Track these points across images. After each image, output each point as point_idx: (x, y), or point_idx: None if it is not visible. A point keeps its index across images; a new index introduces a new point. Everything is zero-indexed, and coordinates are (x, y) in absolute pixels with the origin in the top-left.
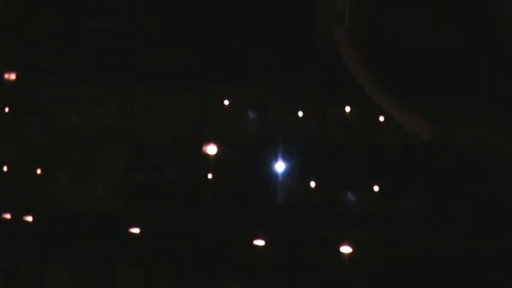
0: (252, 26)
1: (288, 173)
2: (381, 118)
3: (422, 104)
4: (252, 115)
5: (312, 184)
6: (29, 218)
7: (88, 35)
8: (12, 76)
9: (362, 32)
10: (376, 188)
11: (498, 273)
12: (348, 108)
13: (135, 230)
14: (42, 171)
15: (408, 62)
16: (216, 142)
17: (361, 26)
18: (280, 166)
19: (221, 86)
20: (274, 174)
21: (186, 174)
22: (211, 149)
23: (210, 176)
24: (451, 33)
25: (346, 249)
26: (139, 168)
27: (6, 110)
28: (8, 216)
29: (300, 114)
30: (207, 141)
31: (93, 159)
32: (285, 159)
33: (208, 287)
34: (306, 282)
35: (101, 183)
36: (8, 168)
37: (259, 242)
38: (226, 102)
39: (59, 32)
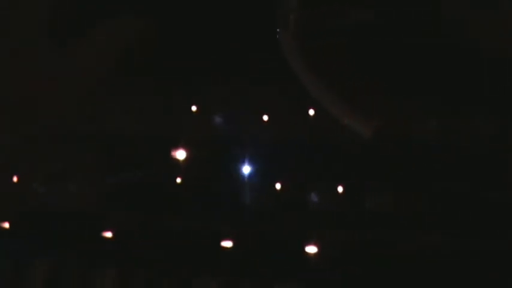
0: (223, 26)
1: (254, 174)
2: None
3: (363, 101)
4: (219, 117)
5: (278, 185)
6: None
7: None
8: None
9: (306, 32)
10: (341, 188)
11: (468, 271)
12: (311, 111)
13: (108, 231)
14: (15, 172)
15: (352, 61)
16: (185, 144)
17: (306, 27)
18: (247, 167)
19: (192, 88)
20: (241, 175)
21: (157, 176)
22: (180, 152)
23: (179, 178)
24: (397, 30)
25: (312, 249)
26: (112, 170)
27: None
28: None
29: (265, 117)
30: (178, 143)
31: (65, 160)
32: (251, 160)
33: (179, 286)
34: (274, 282)
35: (74, 184)
36: None
37: (227, 243)
38: (194, 106)
39: None
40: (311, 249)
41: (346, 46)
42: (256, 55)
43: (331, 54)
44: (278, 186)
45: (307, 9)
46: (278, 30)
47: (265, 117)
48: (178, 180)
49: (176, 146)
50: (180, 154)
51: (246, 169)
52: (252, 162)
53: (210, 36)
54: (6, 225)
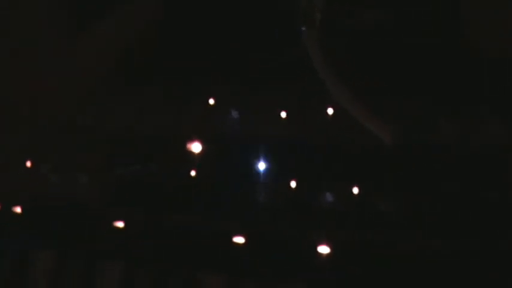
0: (237, 24)
1: (269, 172)
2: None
3: (386, 106)
4: (234, 114)
5: (293, 184)
6: (17, 210)
7: None
8: None
9: (332, 33)
10: (355, 189)
11: (475, 274)
12: (330, 110)
13: (117, 224)
14: (27, 164)
15: (377, 63)
16: (198, 140)
17: (331, 28)
18: (261, 165)
19: (206, 84)
20: (255, 173)
21: (168, 171)
22: (194, 147)
23: (192, 173)
24: (420, 34)
25: (324, 249)
26: (122, 163)
27: None
28: None
29: (283, 115)
30: (190, 139)
31: (76, 153)
32: (265, 158)
33: (188, 282)
34: (283, 280)
35: (84, 177)
36: None
37: (239, 240)
38: (211, 100)
39: None
40: (321, 249)
41: (370, 46)
42: (274, 53)
43: (355, 55)
44: (292, 184)
45: (334, 9)
46: (303, 29)
47: (283, 115)
48: (189, 175)
49: (187, 142)
50: (191, 149)
51: (257, 167)
52: (263, 161)
53: (229, 32)
54: (18, 209)
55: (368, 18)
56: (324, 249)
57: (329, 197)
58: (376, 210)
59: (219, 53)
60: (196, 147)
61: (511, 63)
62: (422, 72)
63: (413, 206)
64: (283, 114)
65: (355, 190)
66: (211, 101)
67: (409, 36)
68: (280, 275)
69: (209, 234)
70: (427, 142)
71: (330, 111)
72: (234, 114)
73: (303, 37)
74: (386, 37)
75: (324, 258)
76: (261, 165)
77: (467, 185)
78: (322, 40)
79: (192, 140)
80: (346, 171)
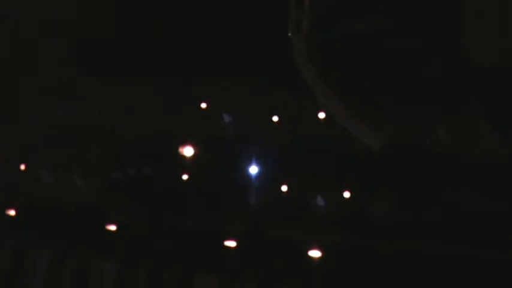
0: (232, 26)
1: (261, 175)
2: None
3: (375, 110)
4: (228, 117)
5: (284, 187)
6: (12, 212)
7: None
8: None
9: (319, 39)
10: (347, 193)
11: (467, 279)
12: (322, 114)
13: (112, 224)
14: (24, 164)
15: (364, 69)
16: (192, 142)
17: (318, 34)
18: (253, 168)
19: (201, 86)
20: (248, 176)
21: (163, 172)
22: (188, 149)
23: (185, 175)
24: (409, 40)
25: (315, 253)
26: (119, 164)
27: None
28: None
29: (275, 118)
30: (185, 141)
31: (74, 153)
32: (258, 161)
33: (182, 282)
34: (274, 282)
35: (82, 178)
36: None
37: (231, 243)
38: (204, 104)
39: None
40: (313, 252)
41: (357, 52)
42: (267, 57)
43: (341, 60)
44: (283, 188)
45: (320, 14)
46: (289, 34)
47: (275, 119)
48: (183, 178)
49: (182, 144)
50: (186, 152)
51: (251, 170)
52: (257, 163)
53: (220, 36)
54: (12, 212)
55: (359, 25)
56: (315, 253)
57: (321, 200)
58: (366, 213)
59: (213, 57)
60: (188, 150)
61: (506, 72)
62: (411, 79)
63: (404, 210)
64: (275, 118)
65: (347, 194)
66: (204, 105)
67: (398, 43)
68: (272, 277)
69: (203, 236)
70: (417, 148)
71: (322, 115)
72: (226, 118)
73: (291, 43)
74: (376, 44)
75: (315, 262)
76: (253, 169)
77: (457, 190)
78: (309, 46)
79: (185, 143)
80: (338, 175)
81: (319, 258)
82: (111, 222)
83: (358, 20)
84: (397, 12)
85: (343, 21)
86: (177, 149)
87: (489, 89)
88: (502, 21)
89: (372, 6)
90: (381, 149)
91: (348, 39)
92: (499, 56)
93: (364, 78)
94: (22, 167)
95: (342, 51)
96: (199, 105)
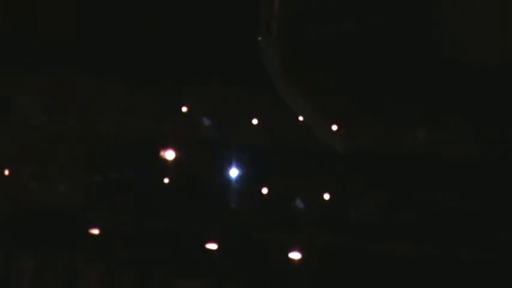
0: (209, 31)
1: (241, 177)
2: (334, 126)
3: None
4: (207, 120)
5: (264, 190)
6: None
7: (50, 32)
8: None
9: (288, 40)
10: (326, 195)
11: (446, 281)
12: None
13: (94, 229)
14: (5, 169)
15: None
16: (173, 146)
17: (287, 35)
18: (233, 171)
19: (181, 90)
20: (228, 179)
21: (143, 176)
22: (169, 153)
23: (166, 178)
24: (380, 42)
25: (295, 255)
26: (100, 169)
27: None
28: None
29: (255, 121)
30: (165, 145)
31: (55, 158)
32: (238, 164)
33: (166, 285)
34: (255, 285)
35: (63, 182)
36: None
37: (212, 246)
38: (184, 107)
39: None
40: (294, 255)
41: (327, 54)
42: (246, 59)
43: (310, 63)
44: (264, 191)
45: (290, 17)
46: (259, 37)
47: (255, 121)
48: (165, 181)
49: (164, 147)
50: (168, 155)
51: (233, 172)
52: (239, 166)
53: (198, 39)
54: None
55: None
56: (295, 255)
57: (300, 203)
58: (347, 215)
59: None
60: (170, 154)
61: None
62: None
63: (384, 211)
64: (255, 121)
65: (326, 196)
66: (183, 109)
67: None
68: (254, 279)
69: (186, 239)
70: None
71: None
72: (206, 121)
73: (260, 45)
74: (346, 46)
75: (296, 263)
76: (234, 172)
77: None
78: (279, 48)
79: (166, 147)
80: (318, 177)
81: (301, 259)
82: (94, 226)
83: (329, 22)
84: (368, 15)
85: (313, 24)
86: (158, 152)
87: (489, 89)
88: (502, 21)
89: (342, 10)
90: (345, 151)
91: (318, 41)
92: (499, 56)
93: (333, 80)
94: (6, 172)
95: (311, 53)
96: (180, 108)
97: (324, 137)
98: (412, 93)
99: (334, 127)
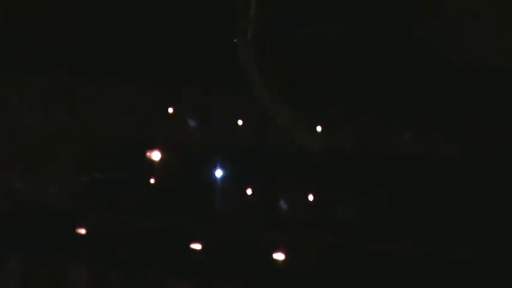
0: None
1: (226, 178)
2: (318, 127)
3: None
4: (193, 122)
5: (249, 191)
6: None
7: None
8: None
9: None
10: (311, 196)
11: (434, 280)
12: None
13: (82, 228)
14: None
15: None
16: (160, 147)
17: (263, 38)
18: (219, 172)
19: (170, 92)
20: (214, 180)
21: (131, 176)
22: (155, 154)
23: (153, 179)
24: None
25: (279, 256)
26: (88, 169)
27: None
28: None
29: (240, 122)
30: (153, 146)
31: (44, 158)
32: (224, 165)
33: (152, 284)
34: (239, 285)
35: (52, 182)
36: None
37: (196, 246)
38: (171, 109)
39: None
40: (278, 255)
41: (301, 57)
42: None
43: (286, 65)
44: (248, 191)
45: (267, 19)
46: (236, 39)
47: (240, 122)
48: (152, 181)
49: (151, 148)
50: (154, 156)
51: (218, 173)
52: (224, 167)
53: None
54: None
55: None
56: (279, 256)
57: (284, 204)
58: (331, 215)
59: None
60: (156, 155)
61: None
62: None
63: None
64: (240, 122)
65: (310, 197)
66: (171, 110)
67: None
68: (241, 279)
69: (175, 240)
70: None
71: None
72: (192, 122)
73: (237, 47)
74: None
75: (281, 264)
76: (219, 172)
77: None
78: (254, 50)
79: (153, 148)
80: (303, 178)
81: (285, 260)
82: (83, 227)
83: (306, 25)
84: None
85: (290, 26)
86: (145, 153)
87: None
88: (502, 21)
89: (320, 13)
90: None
91: (294, 43)
92: (499, 56)
93: (309, 83)
94: None
95: (287, 55)
96: (167, 110)
97: (299, 137)
98: (411, 93)
99: (313, 127)
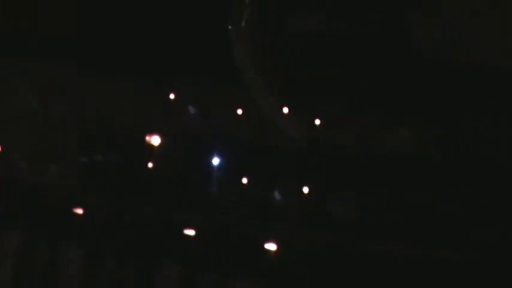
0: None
1: (223, 168)
2: (317, 121)
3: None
4: (193, 110)
5: (244, 180)
6: None
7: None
8: None
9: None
10: (306, 189)
11: (434, 280)
12: (285, 109)
13: (78, 209)
14: None
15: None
16: (159, 133)
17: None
18: (216, 161)
19: (168, 79)
20: (211, 168)
21: (129, 161)
22: (154, 139)
23: (150, 164)
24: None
25: (271, 246)
26: (88, 152)
27: None
28: None
29: (239, 111)
30: (151, 132)
31: (45, 141)
32: (221, 155)
33: (145, 269)
34: (234, 275)
35: (52, 164)
36: None
37: (190, 232)
38: (171, 95)
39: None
40: (271, 246)
41: (295, 48)
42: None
43: (280, 55)
44: (244, 181)
45: (262, 9)
46: (229, 27)
47: (239, 111)
48: (149, 166)
49: (149, 133)
50: (153, 141)
51: (215, 161)
52: (220, 156)
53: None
54: None
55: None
56: (271, 246)
57: (278, 195)
58: (324, 209)
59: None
60: (155, 140)
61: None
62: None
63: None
64: (239, 111)
65: (305, 189)
66: (172, 96)
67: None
68: (233, 268)
69: (165, 226)
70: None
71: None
72: (192, 110)
73: (230, 34)
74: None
75: (273, 254)
76: (216, 161)
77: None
78: (248, 37)
79: (152, 133)
80: (300, 171)
81: (277, 251)
82: (79, 206)
83: (300, 16)
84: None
85: (285, 16)
86: (144, 138)
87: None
88: (502, 21)
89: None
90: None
91: (289, 34)
92: (499, 56)
93: (303, 74)
94: None
95: (282, 45)
96: (167, 97)
97: (285, 127)
98: (411, 93)
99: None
